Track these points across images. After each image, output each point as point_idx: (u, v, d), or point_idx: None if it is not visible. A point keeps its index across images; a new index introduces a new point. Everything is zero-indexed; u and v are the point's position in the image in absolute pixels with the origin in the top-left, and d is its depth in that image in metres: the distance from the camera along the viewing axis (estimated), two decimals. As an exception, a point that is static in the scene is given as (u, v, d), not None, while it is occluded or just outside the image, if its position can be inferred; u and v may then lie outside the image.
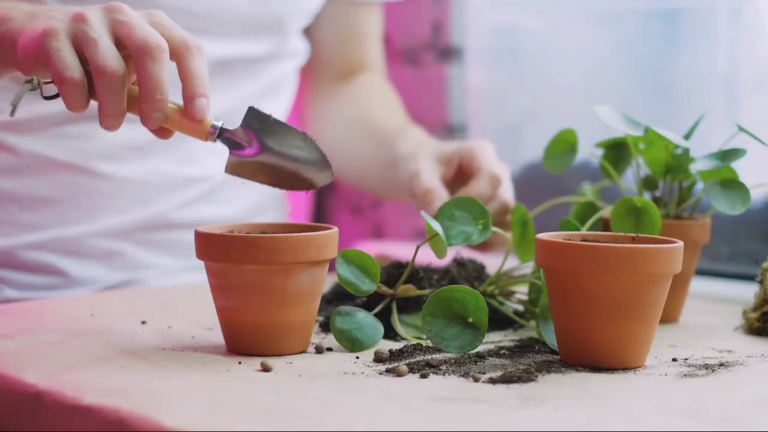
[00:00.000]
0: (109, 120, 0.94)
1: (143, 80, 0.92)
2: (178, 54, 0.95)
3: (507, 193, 1.23)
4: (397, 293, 1.00)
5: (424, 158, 1.26)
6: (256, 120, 0.97)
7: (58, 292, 1.29)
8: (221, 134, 0.96)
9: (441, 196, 1.20)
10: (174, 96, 0.95)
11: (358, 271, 0.96)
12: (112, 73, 0.92)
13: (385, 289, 0.99)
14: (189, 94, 0.94)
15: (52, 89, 0.95)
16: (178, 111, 0.95)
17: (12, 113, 0.96)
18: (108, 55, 0.92)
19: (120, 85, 0.92)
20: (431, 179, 1.22)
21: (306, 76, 1.54)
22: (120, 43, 0.94)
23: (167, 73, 0.93)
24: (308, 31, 1.50)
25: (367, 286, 0.96)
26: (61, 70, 0.92)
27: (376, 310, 0.99)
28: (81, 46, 0.92)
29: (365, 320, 0.96)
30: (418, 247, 0.99)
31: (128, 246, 1.32)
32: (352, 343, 0.95)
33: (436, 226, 0.97)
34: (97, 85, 0.92)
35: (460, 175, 1.25)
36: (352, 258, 0.96)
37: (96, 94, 0.93)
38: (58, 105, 1.20)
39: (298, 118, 1.60)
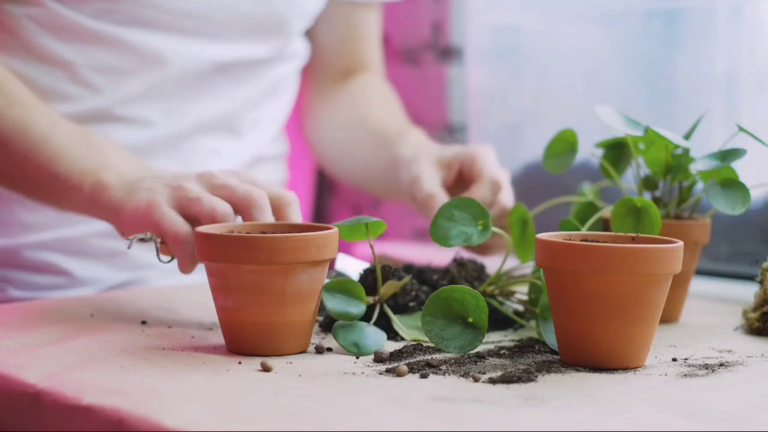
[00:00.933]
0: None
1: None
2: (276, 210, 1.03)
3: (507, 199, 1.22)
4: (382, 296, 1.00)
5: (425, 162, 1.25)
6: None
7: (62, 292, 1.29)
8: None
9: (441, 201, 1.20)
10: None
11: (345, 298, 0.96)
12: (224, 214, 1.01)
13: (370, 299, 0.99)
14: None
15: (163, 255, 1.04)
16: None
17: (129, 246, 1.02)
18: (215, 203, 1.01)
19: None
20: (432, 184, 1.22)
21: (305, 76, 1.54)
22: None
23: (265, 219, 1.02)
24: (307, 32, 1.50)
25: (357, 308, 0.96)
26: (172, 230, 1.01)
27: (373, 320, 0.99)
28: (186, 208, 1.02)
29: (367, 329, 0.96)
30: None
31: None
32: (359, 348, 0.95)
33: (363, 220, 0.97)
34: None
35: (460, 179, 1.25)
36: (336, 288, 0.96)
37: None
38: (60, 107, 1.21)
39: (298, 119, 1.60)
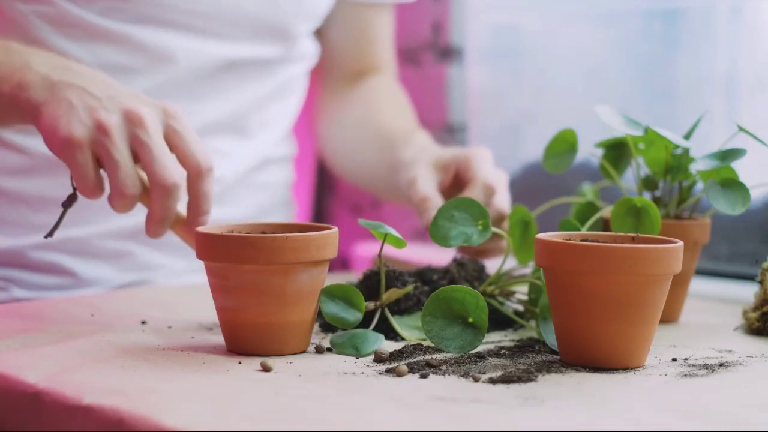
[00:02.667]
0: (121, 212, 1.04)
1: (154, 208, 1.02)
2: (190, 178, 1.03)
3: (502, 202, 1.21)
4: (383, 303, 1.00)
5: (423, 165, 1.25)
6: None
7: (68, 293, 1.30)
8: None
9: (436, 204, 1.19)
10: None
11: (343, 304, 0.96)
12: (130, 197, 1.01)
13: (371, 305, 0.99)
14: (195, 212, 1.04)
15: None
16: (179, 221, 1.05)
17: (50, 234, 1.06)
18: (128, 183, 1.00)
19: (134, 202, 1.02)
20: (427, 187, 1.22)
21: (317, 77, 1.54)
22: (137, 159, 1.02)
23: (176, 204, 1.02)
24: (319, 33, 1.50)
25: (354, 316, 0.96)
26: (81, 182, 1.01)
27: (372, 325, 0.99)
28: (102, 162, 1.01)
29: (365, 334, 0.96)
30: (381, 251, 0.99)
31: (137, 246, 1.32)
32: (357, 350, 0.95)
33: (382, 230, 0.96)
34: (113, 199, 1.01)
35: (457, 182, 1.25)
36: (335, 292, 0.96)
37: (110, 196, 1.02)
38: None
39: (309, 120, 1.60)
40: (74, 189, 1.03)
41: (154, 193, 1.00)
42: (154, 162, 1.00)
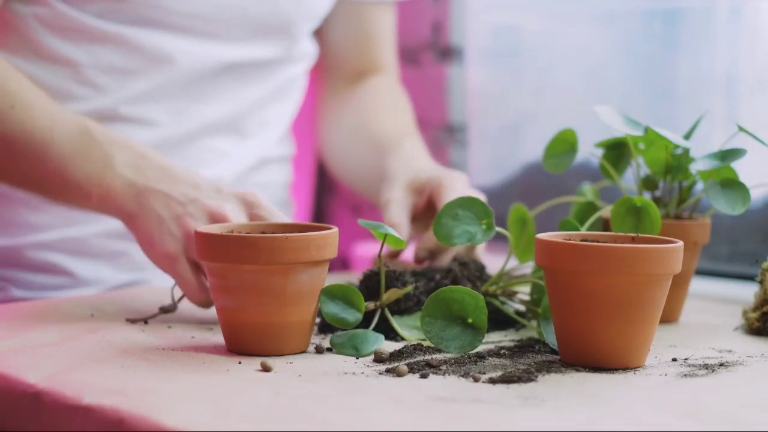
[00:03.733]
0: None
1: None
2: None
3: None
4: (383, 303, 1.00)
5: (398, 187, 1.25)
6: None
7: (65, 292, 1.29)
8: None
9: (402, 233, 1.20)
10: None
11: (343, 304, 0.96)
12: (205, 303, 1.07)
13: (371, 305, 0.99)
14: None
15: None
16: None
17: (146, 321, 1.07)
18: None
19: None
20: (397, 214, 1.22)
21: (318, 77, 1.54)
22: None
23: None
24: (319, 33, 1.49)
25: (354, 316, 0.96)
26: (188, 292, 1.07)
27: (372, 325, 0.99)
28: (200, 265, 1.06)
29: (365, 334, 0.96)
30: (381, 250, 0.99)
31: (134, 247, 1.32)
32: (357, 350, 0.95)
33: (382, 230, 0.96)
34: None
35: (430, 205, 1.24)
36: (335, 292, 0.96)
37: None
38: (66, 107, 1.21)
39: (309, 120, 1.60)
40: (175, 300, 1.08)
41: None
42: None
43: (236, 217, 1.05)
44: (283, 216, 1.07)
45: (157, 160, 1.11)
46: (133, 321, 1.05)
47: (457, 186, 1.21)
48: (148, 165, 1.10)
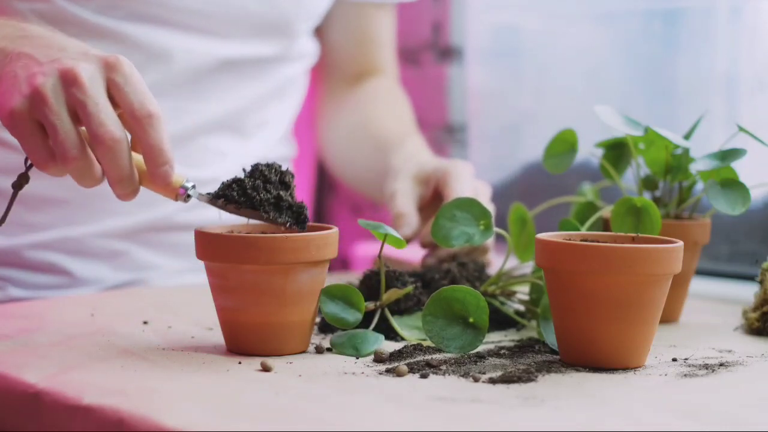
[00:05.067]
0: (85, 185, 0.96)
1: (104, 168, 0.94)
2: (132, 129, 0.95)
3: None
4: (384, 303, 1.00)
5: (404, 179, 1.25)
6: (231, 190, 0.97)
7: (63, 292, 1.29)
8: (190, 195, 0.97)
9: (410, 222, 1.20)
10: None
11: (343, 304, 0.96)
12: (73, 159, 0.93)
13: (371, 305, 0.99)
14: (151, 165, 0.95)
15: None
16: (145, 176, 0.96)
17: (1, 222, 0.99)
18: (67, 144, 0.93)
19: (86, 166, 0.94)
20: (405, 203, 1.22)
21: (318, 77, 1.54)
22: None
23: (127, 157, 0.94)
24: (319, 33, 1.49)
25: (354, 316, 0.96)
26: (34, 158, 0.94)
27: (372, 325, 0.99)
28: (45, 128, 0.93)
29: (364, 334, 0.96)
30: (381, 252, 0.99)
31: (133, 246, 1.32)
32: (357, 350, 0.95)
33: (382, 230, 0.96)
34: (62, 165, 0.94)
35: (437, 196, 1.24)
36: (335, 292, 0.96)
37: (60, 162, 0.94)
38: None
39: (309, 120, 1.60)
40: (27, 166, 0.99)
41: (97, 152, 0.94)
42: (90, 118, 0.93)
43: (88, 78, 0.94)
44: (142, 87, 0.96)
45: (38, 30, 1.02)
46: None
47: (463, 174, 1.21)
48: (24, 35, 1.02)
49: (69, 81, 0.93)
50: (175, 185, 0.96)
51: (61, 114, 0.93)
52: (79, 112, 0.93)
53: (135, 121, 0.94)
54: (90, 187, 0.96)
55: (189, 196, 0.97)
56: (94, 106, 0.93)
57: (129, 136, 0.95)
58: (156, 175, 0.95)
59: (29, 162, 0.98)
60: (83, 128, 0.94)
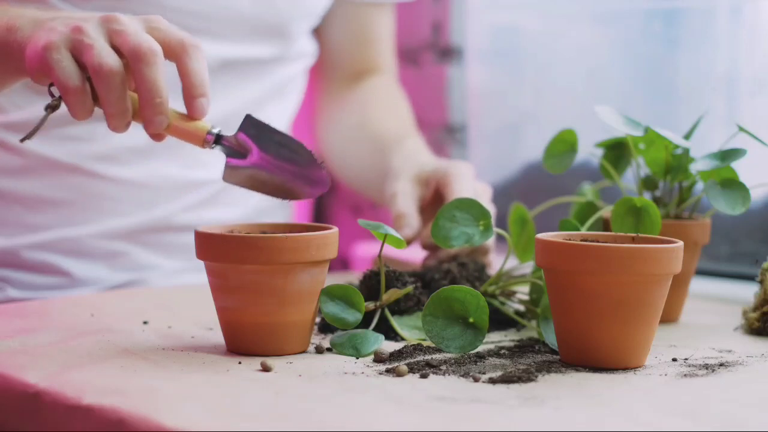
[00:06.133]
0: (115, 120, 0.96)
1: (140, 86, 0.94)
2: (175, 56, 0.97)
3: None
4: (384, 303, 1.00)
5: (404, 179, 1.25)
6: (253, 127, 0.98)
7: (62, 292, 1.29)
8: (218, 141, 0.96)
9: (411, 223, 1.20)
10: (172, 102, 0.97)
11: (343, 304, 0.96)
12: (109, 71, 0.94)
13: (371, 305, 0.99)
14: (189, 95, 0.97)
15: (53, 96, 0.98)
16: (176, 116, 0.97)
17: (29, 137, 0.99)
18: (103, 55, 0.94)
19: (119, 83, 0.94)
20: (405, 204, 1.22)
21: (316, 77, 1.54)
22: (117, 51, 0.96)
23: (163, 76, 0.95)
24: (318, 32, 1.49)
25: (354, 316, 0.96)
26: (62, 80, 0.95)
27: (372, 325, 0.99)
28: (79, 54, 0.95)
29: (364, 334, 0.96)
30: (380, 251, 0.99)
31: (132, 247, 1.32)
32: (357, 351, 0.95)
33: (382, 230, 0.96)
34: (96, 86, 0.95)
35: (438, 197, 1.24)
36: (335, 292, 0.96)
37: (98, 98, 0.95)
38: (62, 108, 1.21)
39: (309, 120, 1.60)
40: (54, 96, 0.98)
41: (135, 66, 0.94)
42: (128, 37, 0.95)
43: (127, 17, 0.97)
44: (185, 36, 0.98)
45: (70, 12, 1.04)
46: (25, 138, 0.99)
47: (464, 175, 1.21)
48: (57, 12, 1.04)
49: (109, 20, 0.96)
50: (204, 127, 0.97)
51: (98, 38, 0.95)
52: (117, 40, 0.95)
53: (178, 46, 0.97)
54: (119, 120, 0.96)
55: (217, 140, 0.97)
56: (134, 31, 0.96)
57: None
58: (193, 108, 0.97)
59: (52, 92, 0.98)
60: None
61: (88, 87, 0.96)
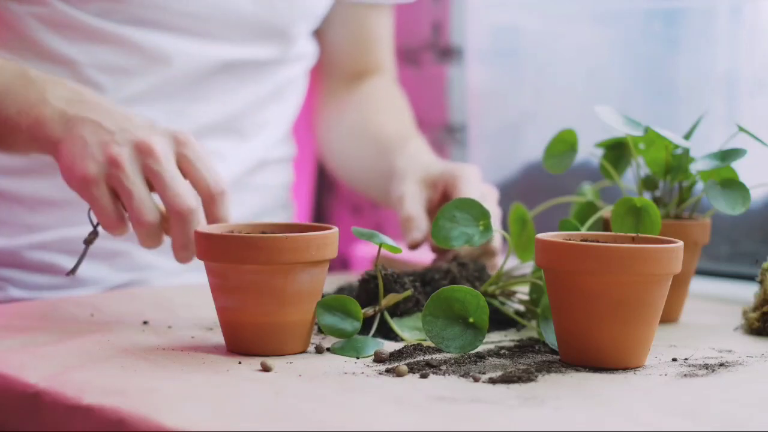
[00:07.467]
0: (148, 247, 1.06)
1: (175, 238, 1.04)
2: (204, 203, 1.05)
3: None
4: (383, 307, 1.00)
5: (411, 181, 1.25)
6: None
7: (63, 292, 1.30)
8: None
9: (419, 225, 1.20)
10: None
11: (341, 314, 0.96)
12: (148, 225, 1.03)
13: (369, 311, 0.99)
14: None
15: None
16: None
17: (73, 272, 1.08)
18: (143, 210, 1.03)
19: (156, 230, 1.04)
20: (414, 206, 1.22)
21: (317, 78, 1.54)
22: (153, 189, 1.04)
23: (195, 226, 1.03)
24: (318, 33, 1.49)
25: (353, 326, 0.96)
26: (101, 216, 1.03)
27: (372, 331, 0.99)
28: (118, 192, 1.03)
29: (365, 340, 0.96)
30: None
31: (132, 247, 1.32)
32: (357, 352, 0.95)
33: (377, 239, 0.96)
34: (135, 230, 1.03)
35: (445, 199, 1.24)
36: (331, 304, 0.96)
37: (134, 229, 1.05)
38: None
39: (310, 120, 1.60)
40: (94, 225, 1.06)
41: (172, 220, 1.03)
42: (167, 189, 1.02)
43: (162, 149, 1.03)
44: (211, 164, 1.05)
45: (92, 96, 1.09)
46: (70, 272, 1.07)
47: (471, 178, 1.22)
48: (81, 99, 1.08)
49: (145, 152, 1.02)
50: None
51: (136, 181, 1.02)
52: (154, 182, 1.03)
53: (206, 194, 1.04)
54: (152, 248, 1.06)
55: None
56: (170, 177, 1.03)
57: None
58: None
59: (96, 221, 1.06)
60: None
61: (126, 217, 1.04)
